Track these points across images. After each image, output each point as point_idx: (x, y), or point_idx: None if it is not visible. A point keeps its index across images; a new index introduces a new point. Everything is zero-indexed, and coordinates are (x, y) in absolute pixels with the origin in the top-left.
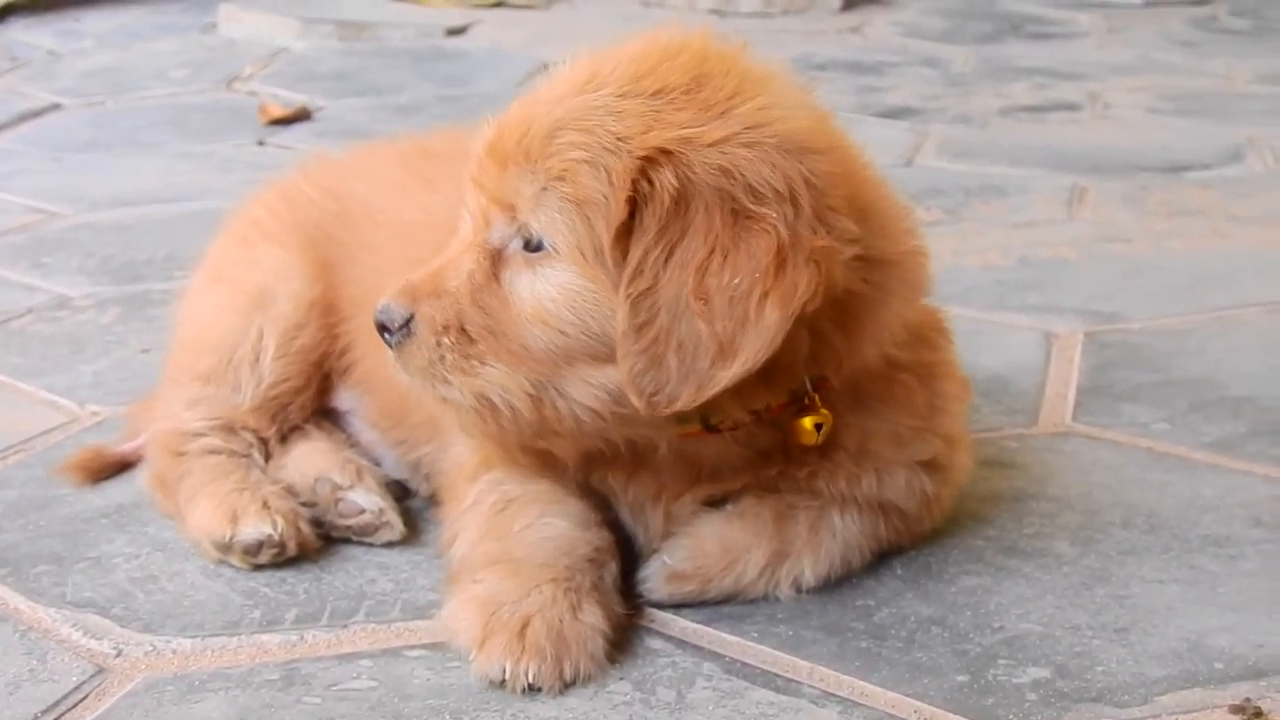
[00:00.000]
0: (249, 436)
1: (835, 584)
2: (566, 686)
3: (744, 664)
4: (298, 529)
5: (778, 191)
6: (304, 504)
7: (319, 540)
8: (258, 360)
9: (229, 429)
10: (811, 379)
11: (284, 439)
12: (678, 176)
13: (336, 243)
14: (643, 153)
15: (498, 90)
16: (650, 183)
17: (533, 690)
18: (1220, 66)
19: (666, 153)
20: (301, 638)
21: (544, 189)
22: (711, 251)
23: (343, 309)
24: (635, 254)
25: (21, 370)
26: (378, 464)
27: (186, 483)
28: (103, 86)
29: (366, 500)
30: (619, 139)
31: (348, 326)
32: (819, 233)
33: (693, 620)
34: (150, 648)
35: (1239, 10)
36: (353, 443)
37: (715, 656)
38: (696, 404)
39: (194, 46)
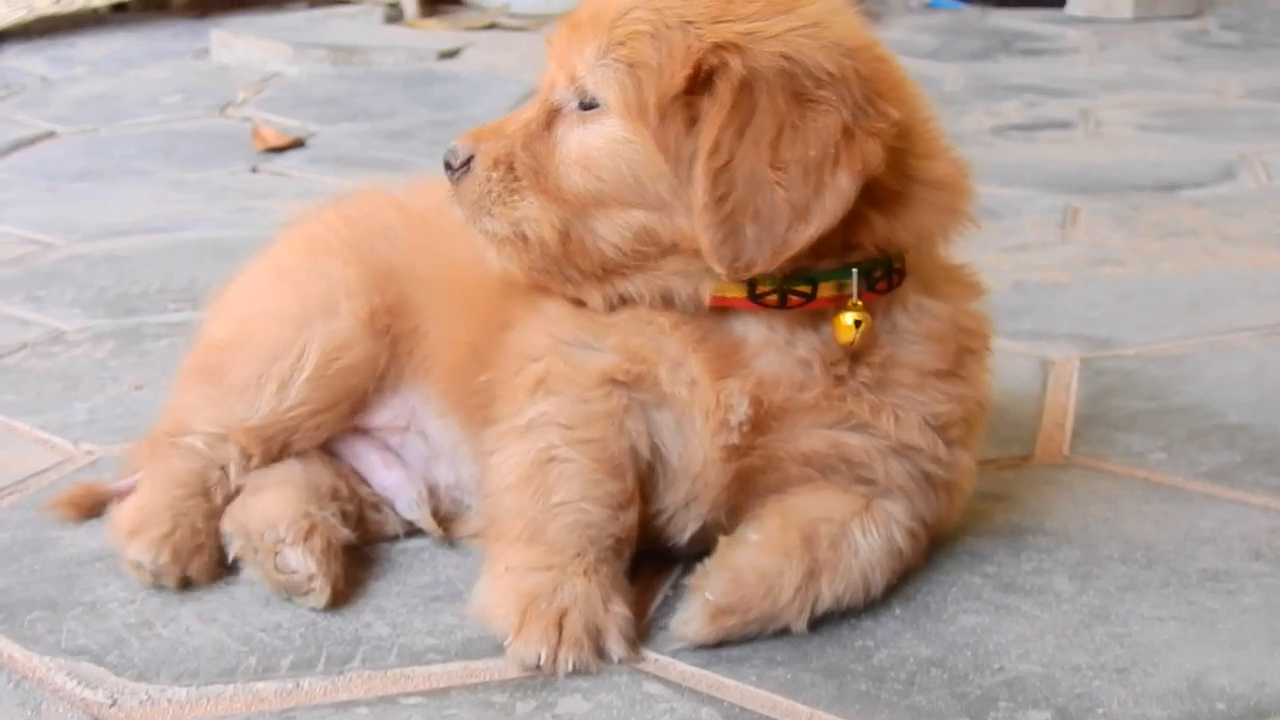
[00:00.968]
0: (234, 450)
1: (834, 624)
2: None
3: (743, 709)
4: (180, 567)
5: (834, 76)
6: (251, 547)
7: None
8: (289, 382)
9: (223, 439)
10: (862, 266)
11: (276, 459)
12: (745, 63)
13: (400, 242)
14: (713, 39)
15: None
16: (721, 67)
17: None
18: (1211, 81)
19: (734, 44)
20: (298, 685)
21: (604, 53)
22: (780, 129)
23: (408, 305)
24: (710, 132)
25: (16, 408)
26: (383, 503)
27: (144, 472)
28: (96, 113)
29: (299, 562)
30: (686, 21)
31: (415, 318)
32: (873, 115)
33: (690, 664)
34: (145, 696)
35: (1229, 24)
36: (343, 471)
37: (714, 701)
38: (774, 266)
39: (186, 72)
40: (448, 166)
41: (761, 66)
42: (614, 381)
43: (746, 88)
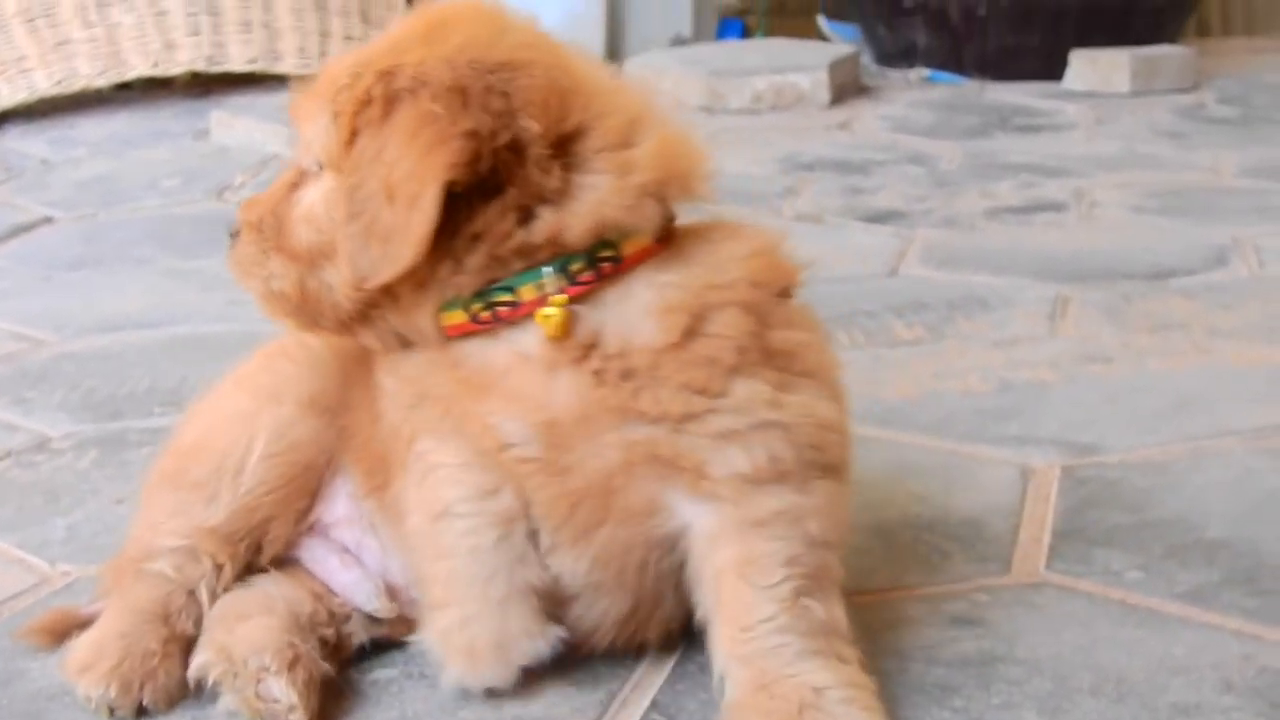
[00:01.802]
0: (205, 565)
1: None
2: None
3: None
4: (132, 698)
5: (450, 90)
6: (234, 672)
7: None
8: (242, 467)
9: (191, 552)
10: (557, 262)
11: (248, 569)
12: (385, 87)
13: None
14: (372, 74)
15: None
16: (368, 95)
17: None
18: (1207, 159)
19: (385, 72)
20: None
21: (320, 115)
22: (399, 147)
23: (350, 400)
24: (353, 154)
25: None
26: (350, 611)
27: (109, 602)
28: (95, 198)
29: (281, 692)
30: (367, 66)
31: (353, 413)
32: (481, 122)
33: None
34: None
35: (1226, 98)
36: (320, 594)
37: None
38: (395, 277)
39: (186, 154)
40: (231, 237)
41: (399, 88)
42: (438, 428)
43: (386, 109)
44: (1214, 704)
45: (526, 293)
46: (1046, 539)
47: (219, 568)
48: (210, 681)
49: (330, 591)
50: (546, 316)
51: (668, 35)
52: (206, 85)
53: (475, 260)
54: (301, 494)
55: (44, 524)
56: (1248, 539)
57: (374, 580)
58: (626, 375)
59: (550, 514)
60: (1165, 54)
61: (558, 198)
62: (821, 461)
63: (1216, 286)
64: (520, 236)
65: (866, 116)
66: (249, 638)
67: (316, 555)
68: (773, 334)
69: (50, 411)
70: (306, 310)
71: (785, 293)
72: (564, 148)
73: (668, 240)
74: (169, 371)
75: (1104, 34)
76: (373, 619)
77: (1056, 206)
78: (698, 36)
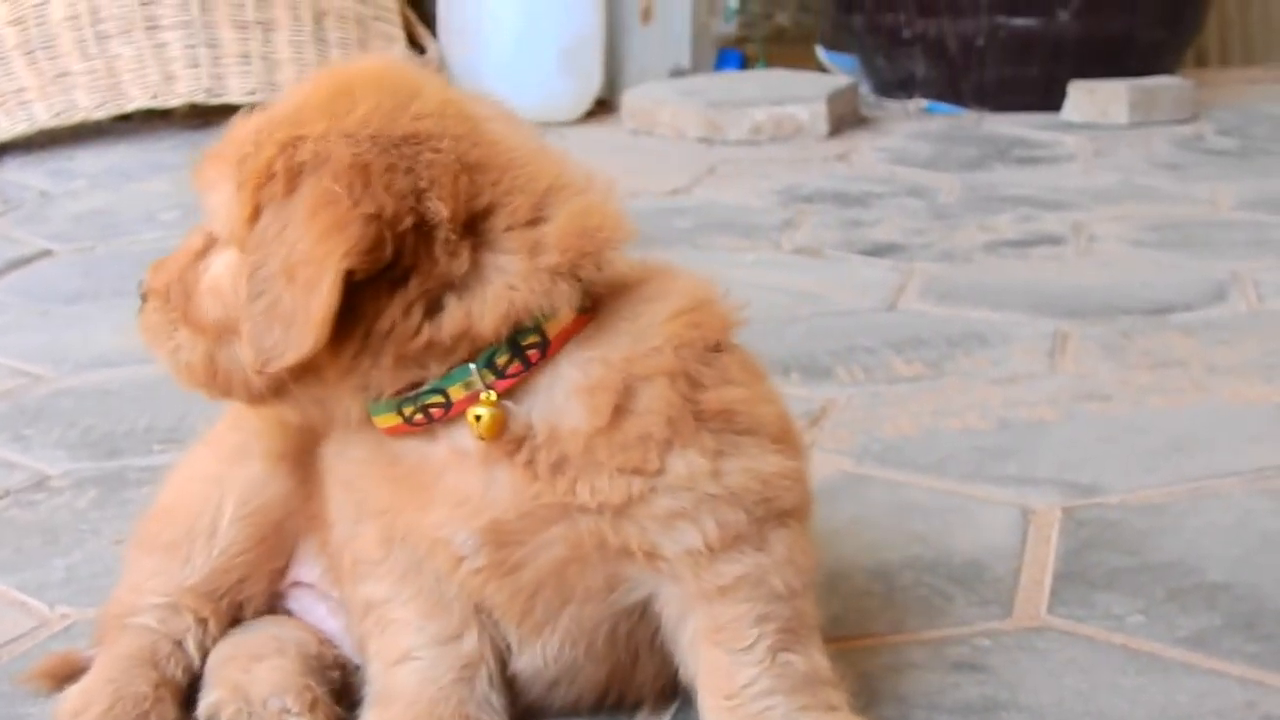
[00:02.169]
0: (189, 618)
1: None
2: None
3: None
4: None
5: (352, 168)
6: (249, 712)
7: None
8: (214, 529)
9: (174, 608)
10: (479, 358)
11: (234, 622)
12: (287, 161)
13: None
14: (274, 146)
15: None
16: (271, 168)
17: None
18: (1205, 191)
19: (287, 144)
20: None
21: (223, 183)
22: (299, 226)
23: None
24: (255, 230)
25: None
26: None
27: (99, 650)
28: (93, 230)
29: None
30: (270, 135)
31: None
32: (384, 204)
33: None
34: None
35: (1225, 129)
36: (325, 640)
37: None
38: (298, 361)
39: (184, 187)
40: (141, 299)
41: (301, 164)
42: (388, 541)
43: (288, 186)
44: None
45: (456, 392)
46: (1048, 582)
47: (203, 621)
48: None
49: (331, 640)
50: (477, 418)
51: (666, 66)
52: (206, 117)
53: (387, 359)
54: (275, 553)
55: (43, 565)
56: (1248, 583)
57: (355, 633)
58: (559, 465)
59: (509, 613)
60: (1163, 85)
61: (465, 284)
62: (776, 511)
63: (1215, 323)
64: (428, 333)
65: (865, 148)
66: (267, 678)
67: (304, 604)
68: (705, 396)
69: (49, 449)
70: (217, 384)
71: (717, 347)
72: (472, 227)
73: (593, 309)
74: (167, 409)
75: (1102, 65)
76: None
77: (1055, 240)
78: (696, 68)
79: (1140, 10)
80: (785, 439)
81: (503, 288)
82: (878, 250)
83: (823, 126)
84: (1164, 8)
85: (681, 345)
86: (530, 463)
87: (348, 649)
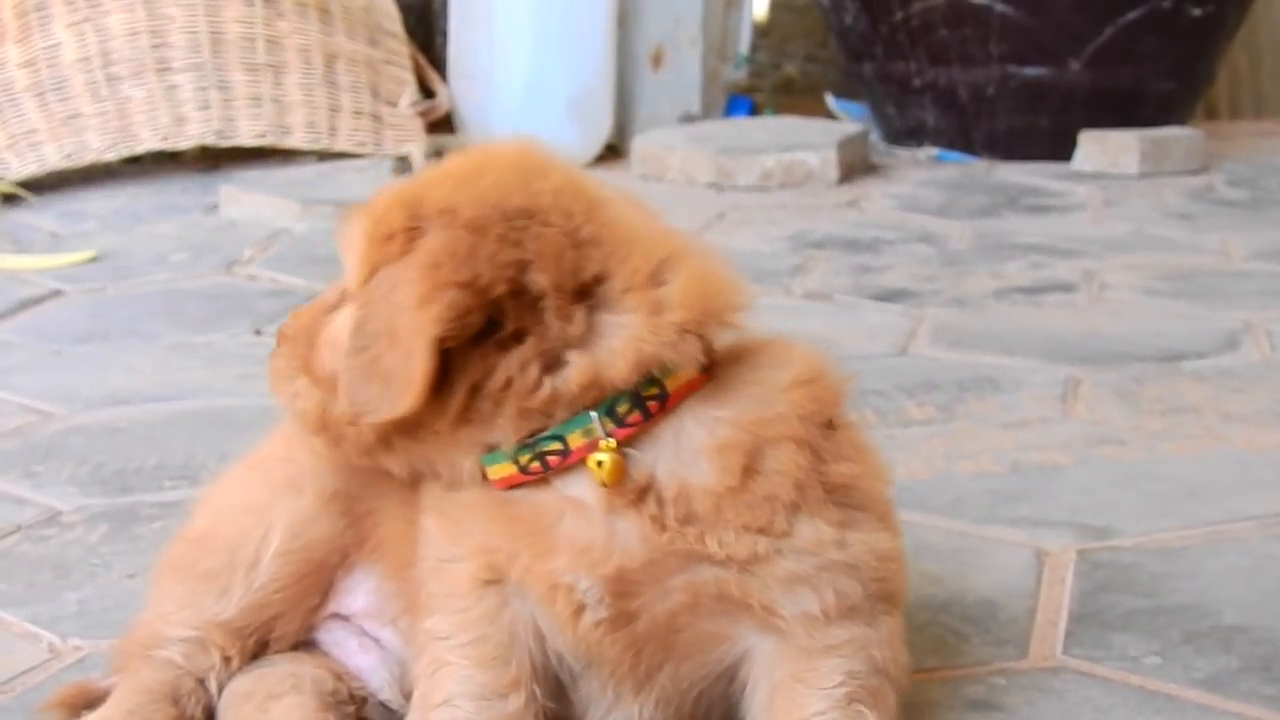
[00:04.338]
0: (215, 656)
1: None
2: None
3: None
4: None
5: (465, 233)
6: None
7: None
8: (257, 562)
9: (201, 644)
10: (600, 406)
11: (254, 658)
12: (406, 223)
13: None
14: (399, 208)
15: None
16: (391, 230)
17: None
18: (1217, 242)
19: (409, 207)
20: None
21: (353, 239)
22: (406, 287)
23: (371, 491)
24: (368, 288)
25: (7, 598)
26: (367, 687)
27: (119, 679)
28: (103, 272)
29: None
30: (399, 198)
31: (374, 504)
32: (480, 274)
33: None
34: None
35: (1236, 180)
36: (340, 674)
37: None
38: (394, 418)
39: (195, 229)
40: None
41: (417, 228)
42: (482, 583)
43: (405, 250)
44: None
45: (575, 440)
46: (1063, 623)
47: (227, 660)
48: None
49: (348, 673)
50: (599, 464)
51: (676, 112)
52: (216, 159)
53: (509, 411)
54: (313, 592)
55: (55, 599)
56: (1265, 626)
57: (389, 668)
58: (688, 519)
59: (618, 667)
60: (1174, 136)
61: (586, 341)
62: (884, 594)
63: (1228, 370)
64: (550, 386)
65: (875, 195)
66: (286, 717)
67: (336, 637)
68: (829, 468)
69: (60, 485)
70: (328, 434)
71: (831, 424)
72: (585, 293)
73: (711, 371)
74: (178, 446)
75: (1113, 116)
76: (388, 708)
77: (1066, 287)
78: (706, 114)
79: (1150, 62)
80: (889, 521)
81: (630, 339)
82: (888, 295)
83: (833, 173)
84: (1174, 60)
85: (804, 415)
86: (658, 514)
87: (376, 684)
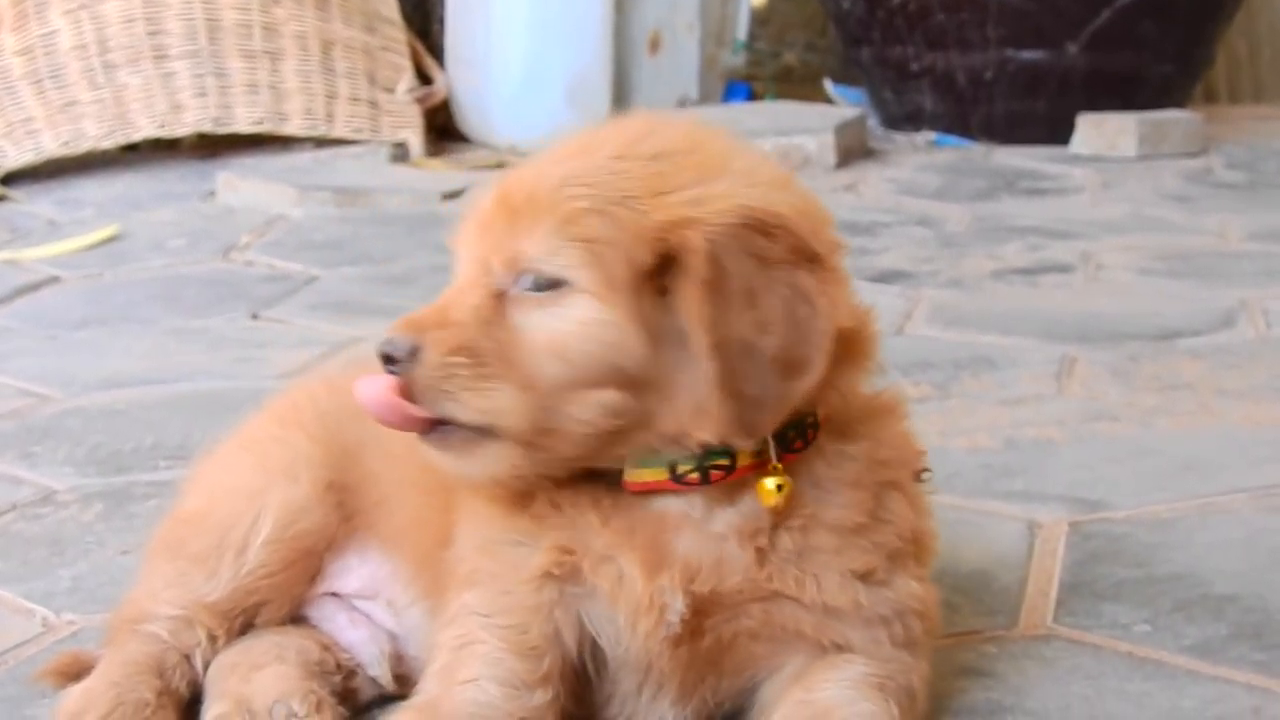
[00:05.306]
0: (201, 634)
1: None
2: None
3: None
4: None
5: (784, 226)
6: None
7: None
8: (246, 547)
9: (188, 622)
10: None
11: (243, 634)
12: (705, 235)
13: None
14: (664, 216)
15: None
16: (683, 243)
17: None
18: (1214, 223)
19: (688, 218)
20: None
21: (556, 232)
22: (753, 290)
23: (375, 480)
24: (698, 310)
25: (2, 575)
26: (356, 667)
27: (106, 651)
28: (101, 258)
29: None
30: (625, 195)
31: (382, 492)
32: (824, 259)
33: None
34: None
35: (1234, 163)
36: (327, 644)
37: None
38: (777, 424)
39: (192, 215)
40: (388, 360)
41: (720, 233)
42: (548, 576)
43: (714, 259)
44: None
45: (744, 458)
46: (1054, 592)
47: (213, 638)
48: None
49: (337, 645)
50: (779, 487)
51: (673, 98)
52: (213, 146)
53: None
54: (301, 579)
55: (49, 575)
56: (1256, 594)
57: (380, 644)
58: (802, 554)
59: (670, 678)
60: (1172, 119)
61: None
62: (926, 635)
63: (1223, 348)
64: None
65: (873, 179)
66: (269, 687)
67: (325, 612)
68: (922, 523)
69: (56, 466)
70: (541, 440)
71: (918, 476)
72: None
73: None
74: (174, 427)
75: (1111, 99)
76: (377, 682)
77: (1063, 268)
78: (704, 99)
79: (1149, 46)
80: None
81: (837, 362)
82: (885, 277)
83: (830, 158)
84: (1172, 43)
85: (906, 464)
86: (765, 545)
87: (365, 658)
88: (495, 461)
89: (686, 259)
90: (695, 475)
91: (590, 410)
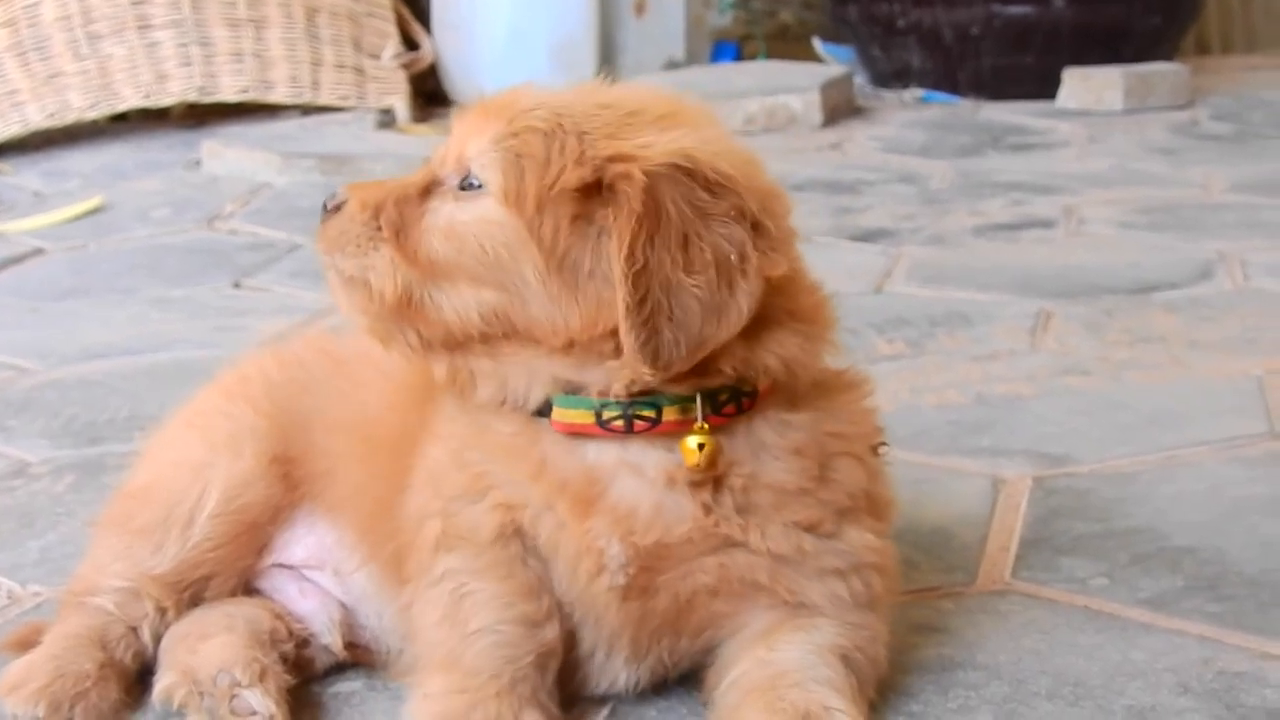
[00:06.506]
0: (149, 606)
1: None
2: None
3: None
4: (61, 716)
5: (727, 185)
6: (200, 692)
7: None
8: (192, 520)
9: (135, 594)
10: (707, 391)
11: (190, 607)
12: (644, 170)
13: (322, 389)
14: (609, 150)
15: None
16: (623, 176)
17: None
18: (1198, 175)
19: (631, 155)
20: None
21: (496, 141)
22: (686, 235)
23: (320, 451)
24: (623, 238)
25: None
26: (309, 636)
27: (55, 625)
28: (85, 229)
29: (259, 703)
30: (582, 131)
31: (328, 462)
32: (768, 227)
33: None
34: None
35: (1220, 114)
36: (279, 613)
37: None
38: (690, 364)
39: (177, 184)
40: (324, 208)
41: (660, 172)
42: (504, 534)
43: (651, 193)
44: (1170, 706)
45: (670, 414)
46: (1014, 548)
47: (162, 610)
48: (175, 704)
49: (290, 615)
50: (699, 446)
51: (660, 59)
52: (201, 116)
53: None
54: (248, 551)
55: (17, 547)
56: (1214, 546)
57: (330, 613)
58: (743, 509)
59: (621, 634)
60: (1159, 71)
61: (754, 327)
62: (885, 590)
63: (1199, 300)
64: (741, 353)
65: (859, 137)
66: (213, 656)
67: (276, 583)
68: (876, 488)
69: (31, 438)
70: (401, 316)
71: (875, 450)
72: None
73: (789, 382)
74: (151, 398)
75: (1098, 54)
76: (329, 650)
77: (1045, 223)
78: (691, 60)
79: None
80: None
81: (786, 337)
82: (867, 236)
83: (816, 116)
84: None
85: (863, 436)
86: (710, 501)
87: (316, 627)
88: (362, 307)
89: (620, 187)
90: (620, 423)
91: (465, 305)
